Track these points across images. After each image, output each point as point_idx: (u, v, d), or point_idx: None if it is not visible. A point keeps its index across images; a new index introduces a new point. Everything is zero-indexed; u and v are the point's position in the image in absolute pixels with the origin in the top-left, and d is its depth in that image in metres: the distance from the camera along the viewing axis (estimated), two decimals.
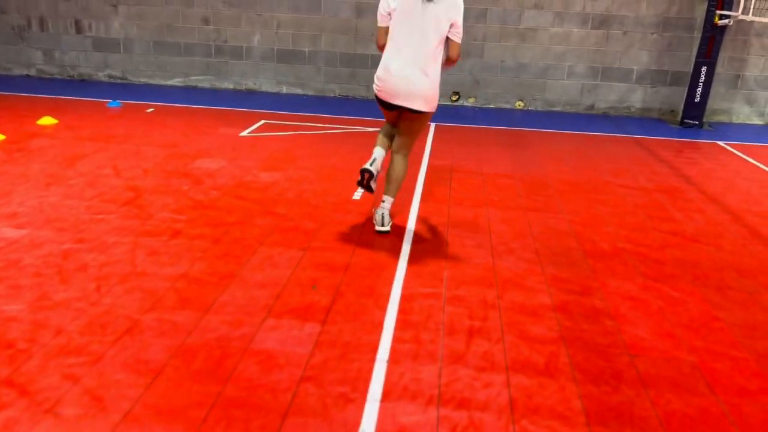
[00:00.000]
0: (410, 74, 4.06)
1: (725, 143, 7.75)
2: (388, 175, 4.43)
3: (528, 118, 8.87)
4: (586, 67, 9.16)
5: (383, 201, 4.41)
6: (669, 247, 4.36)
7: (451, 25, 4.06)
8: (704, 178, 6.15)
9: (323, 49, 9.51)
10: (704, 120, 8.70)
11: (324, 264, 3.83)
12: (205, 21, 9.54)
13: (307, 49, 9.55)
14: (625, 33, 8.95)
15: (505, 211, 4.93)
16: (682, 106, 9.12)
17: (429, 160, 6.33)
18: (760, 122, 9.10)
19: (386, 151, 4.48)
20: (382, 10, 4.14)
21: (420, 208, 4.90)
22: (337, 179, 5.55)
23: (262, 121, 7.76)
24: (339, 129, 7.51)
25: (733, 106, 9.08)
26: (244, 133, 7.15)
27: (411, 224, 4.56)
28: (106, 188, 4.99)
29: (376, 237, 4.30)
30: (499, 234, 4.45)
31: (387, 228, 4.37)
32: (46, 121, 7.03)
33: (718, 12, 8.16)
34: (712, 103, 8.88)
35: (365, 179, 4.29)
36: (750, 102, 9.05)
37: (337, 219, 4.60)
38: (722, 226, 4.82)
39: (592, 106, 9.33)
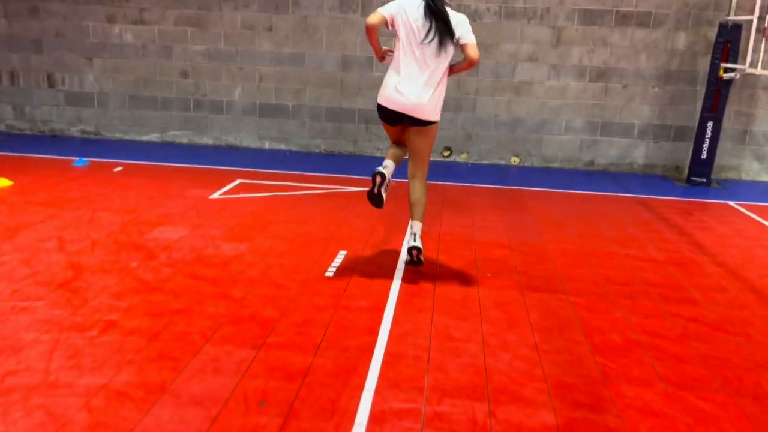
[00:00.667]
0: (419, 93, 4.21)
1: (737, 203, 7.18)
2: (411, 200, 4.57)
3: (524, 175, 8.33)
4: (584, 121, 8.67)
5: (411, 227, 4.53)
6: (690, 338, 3.72)
7: (460, 37, 4.19)
8: (720, 246, 5.55)
9: (308, 103, 9.04)
10: (712, 177, 8.16)
11: (279, 368, 3.17)
12: (184, 74, 9.10)
13: (290, 103, 9.07)
14: (624, 86, 8.50)
15: (499, 291, 4.30)
16: (687, 163, 8.61)
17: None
18: None
19: (397, 161, 4.62)
20: (389, 8, 4.22)
21: (401, 288, 4.27)
22: (311, 250, 4.94)
23: (238, 181, 7.19)
24: (321, 189, 6.95)
25: (742, 163, 8.56)
26: (216, 194, 6.57)
27: (389, 310, 3.93)
28: (43, 266, 4.36)
29: (345, 328, 3.65)
30: (493, 322, 3.81)
31: (419, 244, 4.40)
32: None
33: (723, 65, 7.71)
34: (720, 160, 8.36)
35: (377, 184, 4.37)
36: (759, 158, 8.54)
37: (303, 303, 3.97)
38: (748, 310, 4.19)
39: (591, 162, 8.81)
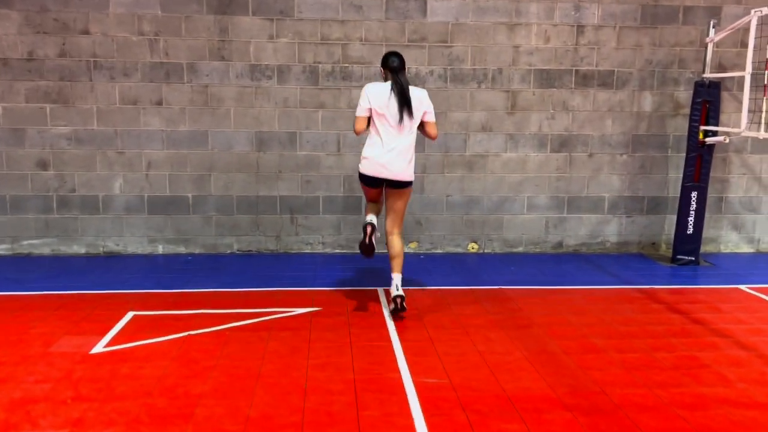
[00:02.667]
0: (396, 161, 4.94)
1: (748, 288, 6.10)
2: (392, 254, 5.14)
3: (491, 265, 6.85)
4: (548, 197, 7.42)
5: (393, 279, 5.07)
6: None
7: (424, 113, 5.00)
8: (749, 334, 4.27)
9: (213, 193, 7.11)
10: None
11: None
12: (43, 165, 6.88)
13: (191, 194, 7.10)
14: (590, 155, 7.38)
15: None
16: (662, 238, 7.57)
17: (412, 375, 3.98)
18: (751, 250, 7.70)
19: (377, 215, 5.22)
20: (362, 105, 4.94)
21: None
22: None
23: (131, 314, 5.10)
24: (252, 317, 5.02)
25: (720, 234, 7.65)
26: (100, 345, 4.46)
27: None
28: None
29: None
30: None
31: (401, 293, 5.01)
32: None
33: (703, 128, 6.78)
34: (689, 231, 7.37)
35: (368, 234, 4.98)
36: (737, 228, 7.67)
37: None
38: None
39: (560, 244, 7.54)
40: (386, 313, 5.22)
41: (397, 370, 4.07)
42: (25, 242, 7.00)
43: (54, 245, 7.03)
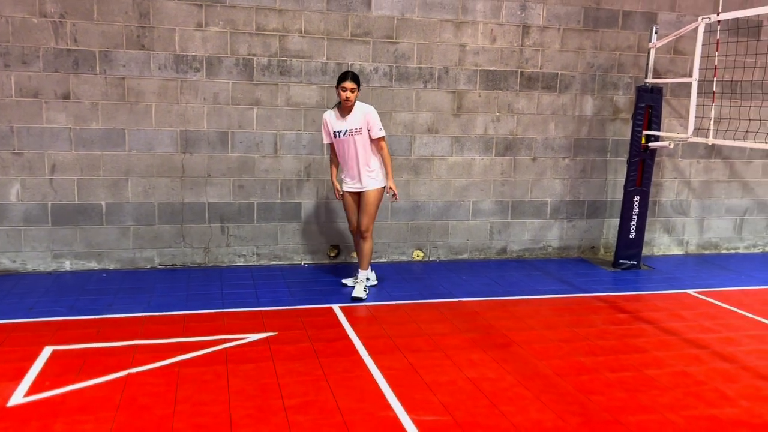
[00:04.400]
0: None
1: (695, 292, 6.17)
2: (359, 253, 5.74)
3: (434, 273, 6.50)
4: (493, 202, 7.20)
5: (359, 274, 5.70)
6: None
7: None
8: (723, 344, 4.25)
9: (131, 200, 6.24)
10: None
11: None
12: None
13: (104, 202, 6.19)
14: (534, 159, 7.23)
15: None
16: (601, 241, 7.59)
17: (408, 412, 3.51)
18: (680, 252, 7.89)
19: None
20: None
21: None
22: None
23: (49, 349, 4.26)
24: (199, 347, 4.33)
25: (653, 237, 7.77)
26: (18, 395, 3.62)
27: None
28: None
29: None
30: None
31: (365, 296, 5.56)
32: None
33: (645, 132, 6.81)
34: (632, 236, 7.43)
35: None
36: (668, 230, 7.82)
37: None
38: None
39: (504, 250, 7.33)
40: (351, 334, 4.71)
41: (389, 407, 3.59)
42: None
43: None
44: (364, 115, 5.41)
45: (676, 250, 7.90)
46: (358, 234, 5.68)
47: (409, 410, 3.55)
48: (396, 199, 5.62)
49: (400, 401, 3.66)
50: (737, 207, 7.96)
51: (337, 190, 5.70)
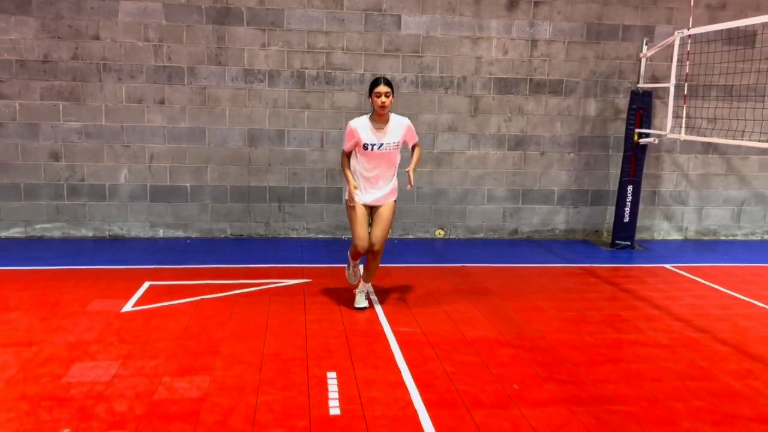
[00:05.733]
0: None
1: (674, 266, 7.21)
2: (369, 269, 5.36)
3: (456, 248, 7.85)
4: (506, 190, 8.46)
5: (361, 285, 5.44)
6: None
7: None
8: (705, 319, 5.33)
9: (210, 183, 7.96)
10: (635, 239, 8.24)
11: None
12: (55, 156, 7.63)
13: (189, 184, 7.93)
14: (542, 153, 8.44)
15: (543, 410, 3.62)
16: (604, 226, 8.68)
17: (391, 326, 4.93)
18: (679, 237, 8.86)
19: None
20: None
21: (435, 427, 3.44)
22: (291, 378, 3.95)
23: (147, 284, 5.94)
24: (251, 286, 5.90)
25: (654, 223, 8.79)
26: (128, 306, 5.30)
27: None
28: None
29: None
30: None
31: (366, 305, 5.39)
32: None
33: (637, 130, 7.90)
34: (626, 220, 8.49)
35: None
36: (668, 218, 8.82)
37: None
38: None
39: (515, 231, 8.58)
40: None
41: (379, 323, 5.01)
42: (38, 226, 7.74)
43: (64, 229, 7.79)
44: (403, 128, 5.11)
45: (676, 236, 8.87)
46: (369, 251, 5.22)
47: (392, 325, 4.97)
48: (411, 186, 5.16)
49: (388, 320, 5.08)
50: (735, 198, 8.84)
51: (355, 195, 5.14)
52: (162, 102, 7.72)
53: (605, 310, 5.54)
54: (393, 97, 4.98)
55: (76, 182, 7.73)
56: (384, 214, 5.18)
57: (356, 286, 5.51)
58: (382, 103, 4.92)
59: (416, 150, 5.31)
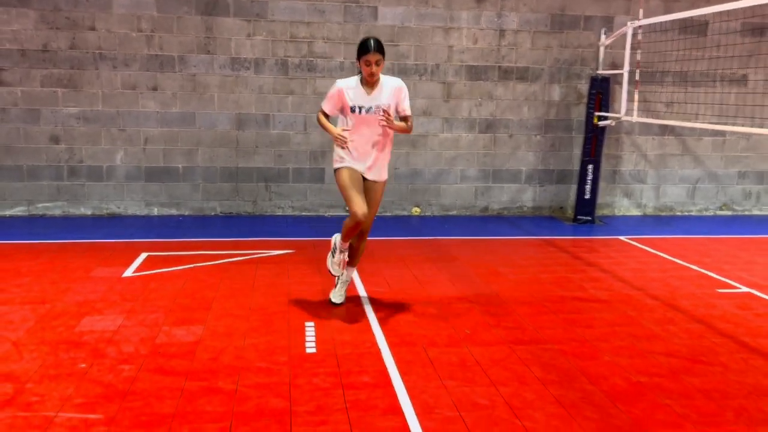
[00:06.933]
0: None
1: (627, 238, 7.88)
2: (357, 252, 5.06)
3: (429, 224, 8.49)
4: (477, 170, 9.10)
5: (349, 271, 5.14)
6: (680, 373, 3.95)
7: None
8: (643, 280, 6.00)
9: (200, 165, 8.53)
10: (595, 215, 8.90)
11: None
12: (55, 139, 8.18)
13: (181, 165, 8.50)
14: (510, 136, 9.07)
15: (488, 348, 4.28)
16: (569, 203, 9.34)
17: (365, 286, 5.56)
18: (638, 213, 9.55)
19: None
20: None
21: (394, 356, 4.08)
22: (275, 326, 4.58)
23: (144, 254, 6.53)
24: (240, 255, 6.51)
25: (614, 200, 9.46)
26: (129, 272, 5.89)
27: (397, 383, 3.72)
28: None
29: (366, 410, 3.40)
30: (504, 382, 3.76)
31: (343, 300, 5.12)
32: None
33: (597, 113, 8.53)
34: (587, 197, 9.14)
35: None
36: (628, 195, 9.49)
37: (305, 387, 3.63)
38: (707, 339, 4.55)
39: (486, 208, 9.23)
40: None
41: (354, 285, 5.64)
42: (40, 205, 8.29)
43: (64, 207, 8.35)
44: (395, 90, 4.67)
45: (635, 212, 9.55)
46: (360, 229, 4.77)
47: (366, 286, 5.60)
48: (383, 117, 4.53)
49: (362, 283, 5.70)
50: (690, 176, 9.53)
51: (344, 137, 4.66)
52: (155, 89, 8.26)
53: (556, 273, 6.20)
54: (384, 63, 4.56)
55: (75, 164, 8.28)
56: (376, 192, 4.81)
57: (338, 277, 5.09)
58: (371, 72, 4.52)
59: (409, 129, 4.79)
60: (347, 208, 4.84)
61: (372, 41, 4.52)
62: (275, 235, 7.57)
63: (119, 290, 5.36)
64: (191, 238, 7.36)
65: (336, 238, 5.02)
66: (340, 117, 4.79)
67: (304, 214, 8.85)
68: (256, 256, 6.57)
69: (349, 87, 4.66)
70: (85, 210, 8.40)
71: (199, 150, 8.50)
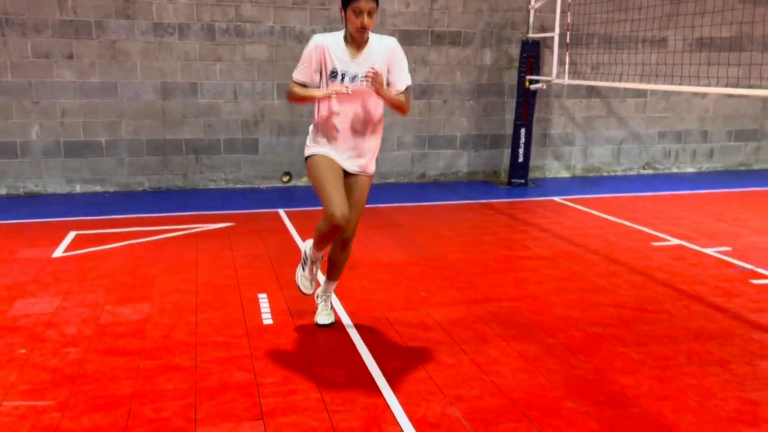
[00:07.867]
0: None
1: (561, 199, 8.11)
2: (337, 264, 3.94)
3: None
4: (413, 137, 9.07)
5: (325, 287, 4.05)
6: (631, 322, 4.10)
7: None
8: (582, 237, 6.19)
9: (125, 138, 8.07)
10: (528, 178, 9.10)
11: None
12: None
13: (103, 139, 8.02)
14: (445, 101, 9.08)
15: (447, 309, 4.29)
16: (502, 167, 9.50)
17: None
18: (568, 175, 9.83)
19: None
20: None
21: (356, 327, 4.03)
22: (227, 299, 4.42)
23: (73, 233, 6.14)
24: (176, 231, 6.24)
25: (545, 163, 9.70)
26: (58, 252, 5.53)
27: (365, 354, 3.68)
28: None
29: (341, 383, 3.33)
30: (467, 341, 3.79)
31: (333, 320, 4.06)
32: None
33: (528, 77, 8.66)
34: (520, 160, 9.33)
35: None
36: (558, 158, 9.75)
37: (269, 360, 3.53)
38: (649, 289, 4.74)
39: (423, 175, 9.25)
40: (288, 224, 6.62)
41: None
42: None
43: None
44: (389, 51, 3.56)
45: (565, 173, 9.84)
46: (340, 236, 3.73)
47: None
48: (371, 79, 3.31)
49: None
50: (615, 137, 9.88)
51: (341, 88, 3.43)
52: (70, 57, 7.71)
53: (498, 234, 6.30)
54: (377, 14, 3.40)
55: None
56: (360, 191, 3.73)
57: (314, 293, 4.08)
58: (362, 26, 3.34)
59: (403, 95, 3.63)
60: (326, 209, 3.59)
61: None
62: (211, 209, 7.30)
63: (51, 271, 5.02)
64: (121, 214, 6.98)
65: (307, 246, 3.99)
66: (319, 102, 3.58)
67: (238, 186, 8.57)
68: (193, 230, 6.32)
69: (331, 45, 3.45)
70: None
71: (123, 122, 8.03)
